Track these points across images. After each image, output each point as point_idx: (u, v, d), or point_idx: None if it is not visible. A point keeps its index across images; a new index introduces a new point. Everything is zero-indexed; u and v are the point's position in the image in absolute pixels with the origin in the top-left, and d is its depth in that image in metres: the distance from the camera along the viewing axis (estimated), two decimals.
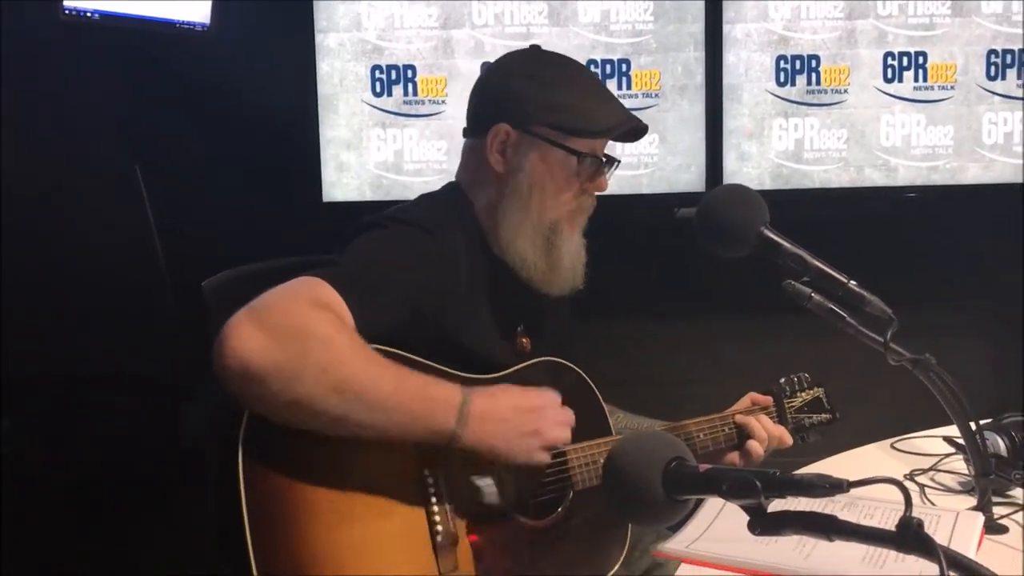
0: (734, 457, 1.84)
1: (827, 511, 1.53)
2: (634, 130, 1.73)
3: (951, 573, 0.91)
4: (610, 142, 1.76)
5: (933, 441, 1.87)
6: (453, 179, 1.79)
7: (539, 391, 1.56)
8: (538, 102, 1.67)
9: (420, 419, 1.42)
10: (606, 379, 2.09)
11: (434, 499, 1.49)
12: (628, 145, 3.20)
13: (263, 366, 1.33)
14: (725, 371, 3.31)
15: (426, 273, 1.58)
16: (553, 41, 3.15)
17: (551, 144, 1.66)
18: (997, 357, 3.46)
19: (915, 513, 1.53)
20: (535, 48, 1.86)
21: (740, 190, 1.66)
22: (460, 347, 1.61)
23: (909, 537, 0.94)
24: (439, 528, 1.48)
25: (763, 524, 1.08)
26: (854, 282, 1.53)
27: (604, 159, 1.71)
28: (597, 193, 1.73)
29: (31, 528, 2.53)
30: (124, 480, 2.56)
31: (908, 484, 1.72)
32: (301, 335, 1.36)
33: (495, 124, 1.68)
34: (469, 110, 1.77)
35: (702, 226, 1.60)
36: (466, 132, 1.77)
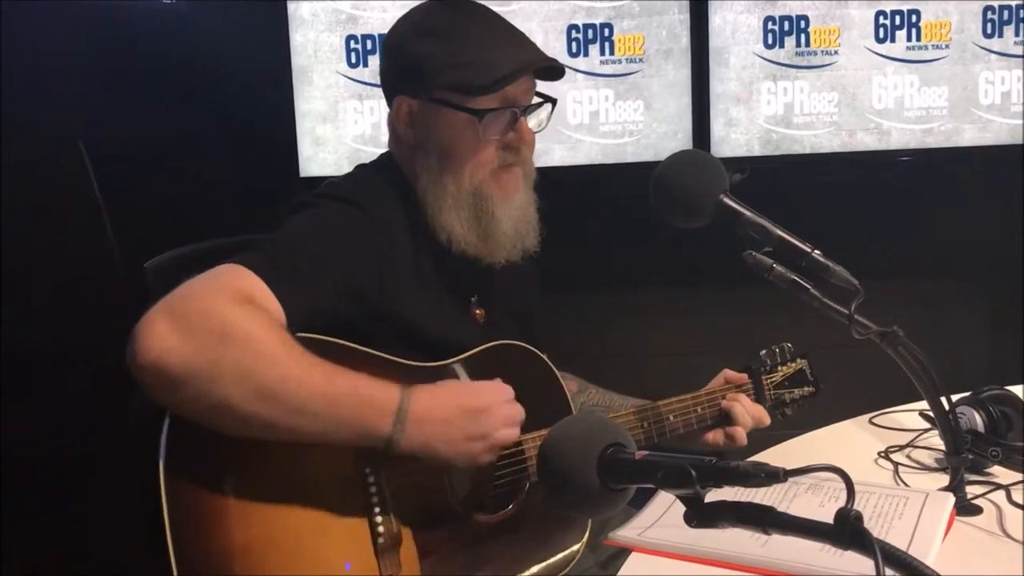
0: (715, 436, 1.77)
1: (789, 494, 1.48)
2: (549, 69, 1.61)
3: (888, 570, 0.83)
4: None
5: (912, 415, 1.79)
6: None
7: (488, 386, 1.46)
8: (435, 65, 1.57)
9: (353, 423, 1.33)
10: (588, 353, 2.02)
11: (376, 499, 1.40)
12: (612, 113, 3.12)
13: (177, 369, 1.24)
14: (713, 343, 3.24)
15: (359, 250, 1.50)
16: (532, 7, 3.05)
17: (453, 108, 1.57)
18: (993, 324, 3.37)
19: (883, 495, 1.47)
20: None
21: (697, 156, 1.58)
22: (408, 325, 1.53)
23: (845, 531, 0.87)
24: (381, 530, 1.40)
25: (699, 515, 1.01)
26: (818, 252, 1.45)
27: (522, 108, 1.60)
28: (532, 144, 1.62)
29: None
30: (73, 459, 2.52)
31: (882, 462, 1.65)
32: (219, 334, 1.26)
33: (396, 96, 1.62)
34: (380, 77, 1.69)
35: (658, 195, 1.52)
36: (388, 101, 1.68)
